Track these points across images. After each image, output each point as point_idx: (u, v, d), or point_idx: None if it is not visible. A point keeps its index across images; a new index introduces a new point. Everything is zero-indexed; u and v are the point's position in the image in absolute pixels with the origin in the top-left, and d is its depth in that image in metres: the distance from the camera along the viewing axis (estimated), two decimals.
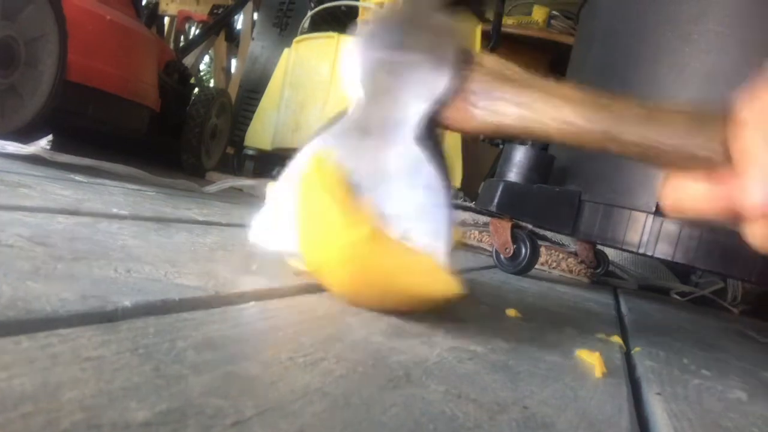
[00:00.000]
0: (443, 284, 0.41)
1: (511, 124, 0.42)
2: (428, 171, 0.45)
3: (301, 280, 0.47)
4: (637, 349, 0.55)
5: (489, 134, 0.43)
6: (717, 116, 0.36)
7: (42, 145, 1.66)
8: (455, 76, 0.43)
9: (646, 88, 0.90)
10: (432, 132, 0.46)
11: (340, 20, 2.13)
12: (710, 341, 0.72)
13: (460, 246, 1.32)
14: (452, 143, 2.03)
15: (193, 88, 2.17)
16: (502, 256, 1.00)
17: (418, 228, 0.44)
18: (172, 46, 2.67)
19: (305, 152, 0.47)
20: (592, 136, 0.40)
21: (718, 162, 0.35)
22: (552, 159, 1.01)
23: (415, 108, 0.45)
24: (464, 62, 0.44)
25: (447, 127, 0.46)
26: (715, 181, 0.35)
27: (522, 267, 0.99)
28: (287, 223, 0.45)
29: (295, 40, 2.09)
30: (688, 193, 0.36)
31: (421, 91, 0.45)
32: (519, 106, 0.42)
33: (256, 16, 2.84)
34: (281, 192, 0.48)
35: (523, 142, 0.99)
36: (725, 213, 0.34)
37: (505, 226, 1.00)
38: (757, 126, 0.33)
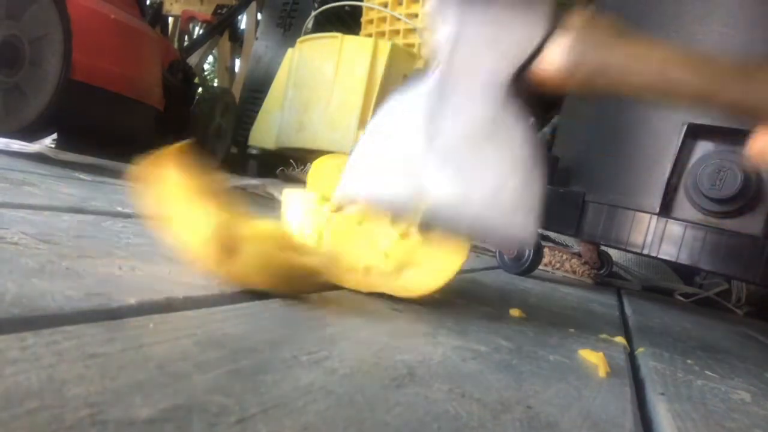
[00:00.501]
0: (318, 263, 0.40)
1: (614, 76, 0.41)
2: (518, 136, 0.42)
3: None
4: (640, 349, 0.55)
5: (587, 88, 0.42)
6: None
7: (46, 143, 1.66)
8: (552, 27, 0.41)
9: None
10: (524, 92, 0.43)
11: (344, 20, 2.13)
12: (714, 342, 0.72)
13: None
14: None
15: (197, 88, 2.17)
16: (505, 256, 1.00)
17: (506, 190, 0.41)
18: (176, 45, 2.68)
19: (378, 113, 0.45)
20: (692, 91, 0.39)
21: None
22: (556, 160, 1.01)
23: (507, 64, 0.42)
24: (556, 19, 0.41)
25: (543, 83, 0.42)
26: None
27: (525, 268, 0.99)
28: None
29: (298, 40, 2.09)
30: None
31: (515, 46, 0.42)
32: (620, 57, 0.40)
33: (259, 16, 2.84)
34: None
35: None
36: None
37: None
38: None
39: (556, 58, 0.41)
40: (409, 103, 0.44)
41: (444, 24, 0.42)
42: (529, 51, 0.41)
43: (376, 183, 0.44)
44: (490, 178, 0.42)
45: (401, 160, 0.43)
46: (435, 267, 0.46)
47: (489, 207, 0.42)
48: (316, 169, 0.52)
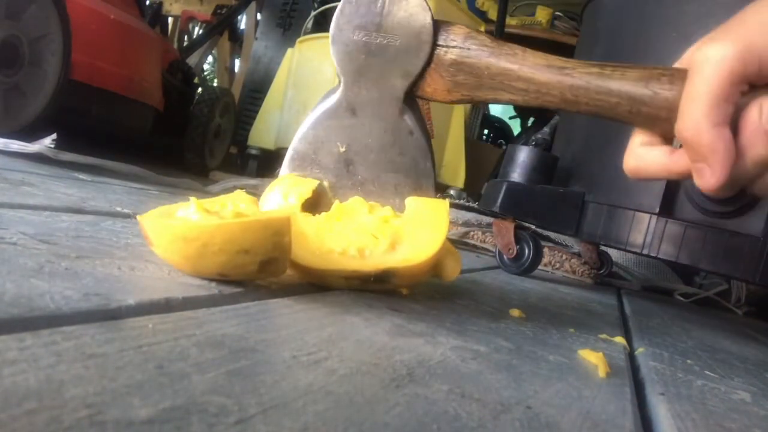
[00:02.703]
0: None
1: (480, 94, 0.47)
2: (416, 141, 0.50)
3: (303, 280, 0.47)
4: (640, 349, 0.55)
5: (461, 102, 0.50)
6: (667, 70, 0.41)
7: (46, 143, 1.66)
8: (430, 52, 0.48)
9: None
10: (414, 102, 0.51)
11: None
12: (714, 342, 0.72)
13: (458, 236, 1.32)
14: (456, 144, 2.03)
15: (197, 88, 2.17)
16: (505, 256, 1.00)
17: (401, 188, 0.50)
18: (175, 45, 2.68)
19: (297, 134, 0.53)
20: (549, 98, 0.45)
21: (665, 115, 0.40)
22: (555, 159, 1.01)
23: (396, 85, 0.49)
24: (437, 37, 0.48)
25: (426, 98, 0.50)
26: (668, 147, 0.41)
27: (525, 268, 0.99)
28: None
29: (298, 40, 2.09)
30: (646, 158, 0.42)
31: (401, 69, 0.49)
32: (485, 75, 0.47)
33: (259, 16, 2.84)
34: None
35: (526, 142, 0.99)
36: (677, 174, 0.40)
37: (508, 227, 0.99)
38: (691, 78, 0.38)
39: (437, 78, 0.49)
40: (327, 121, 0.52)
41: (351, 52, 0.50)
42: (415, 73, 0.48)
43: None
44: (392, 177, 0.51)
45: (324, 187, 0.52)
46: (425, 236, 0.47)
47: (393, 201, 0.51)
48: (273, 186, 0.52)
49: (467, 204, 1.64)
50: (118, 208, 0.63)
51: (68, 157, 1.13)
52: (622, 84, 0.42)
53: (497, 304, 0.59)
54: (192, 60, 2.34)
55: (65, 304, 0.26)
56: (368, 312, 0.41)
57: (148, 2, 2.37)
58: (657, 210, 0.87)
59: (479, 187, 1.86)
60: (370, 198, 0.51)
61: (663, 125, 0.41)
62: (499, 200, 0.94)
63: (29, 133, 1.12)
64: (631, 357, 0.52)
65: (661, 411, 0.35)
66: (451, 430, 0.23)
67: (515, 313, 0.55)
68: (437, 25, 0.48)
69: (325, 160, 0.51)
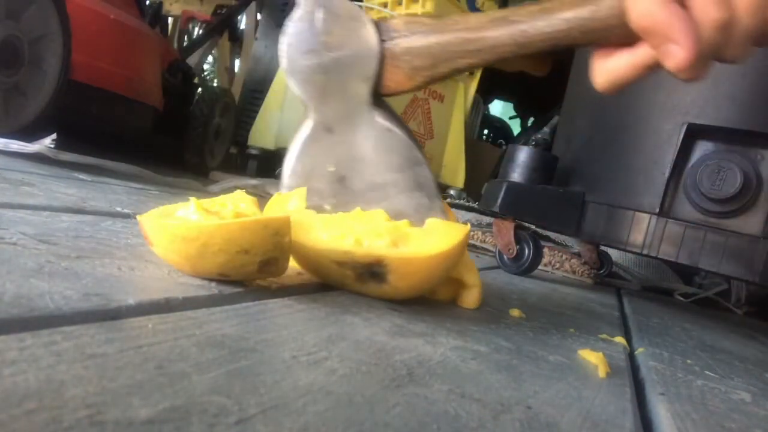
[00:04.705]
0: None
1: (440, 71, 0.48)
2: (396, 136, 0.50)
3: (303, 280, 0.47)
4: (640, 349, 0.55)
5: (426, 84, 0.51)
6: None
7: (46, 143, 1.66)
8: (380, 50, 0.49)
9: (650, 88, 0.90)
10: (382, 102, 0.52)
11: None
12: (714, 342, 0.72)
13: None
14: (456, 144, 2.03)
15: (197, 88, 2.17)
16: (505, 256, 1.00)
17: (400, 184, 0.50)
18: (175, 45, 2.68)
19: (284, 172, 0.53)
20: (504, 48, 0.46)
21: (617, 23, 0.41)
22: (555, 159, 1.01)
23: (360, 91, 0.50)
24: (381, 34, 0.49)
25: (392, 93, 0.51)
26: (628, 49, 0.41)
27: (525, 268, 0.98)
28: None
29: None
30: (612, 66, 0.42)
31: (359, 75, 0.50)
32: (438, 51, 0.48)
33: (259, 16, 2.84)
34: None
35: (526, 142, 0.99)
36: (645, 68, 0.41)
37: (508, 227, 0.99)
38: None
39: (393, 74, 0.49)
40: (309, 148, 0.52)
41: (309, 77, 0.50)
42: (373, 74, 0.49)
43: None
44: (388, 177, 0.51)
45: (328, 211, 0.52)
46: (431, 241, 0.45)
47: (398, 199, 0.51)
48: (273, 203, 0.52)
49: (467, 204, 1.64)
50: (118, 208, 0.63)
51: (68, 157, 1.13)
52: (564, 11, 0.43)
53: (497, 304, 0.59)
54: (192, 60, 2.34)
55: (65, 304, 0.26)
56: (368, 312, 0.41)
57: (148, 2, 2.37)
58: (657, 210, 0.87)
59: (479, 187, 1.86)
60: (374, 204, 0.51)
61: (617, 32, 0.41)
62: (499, 200, 0.94)
63: (29, 133, 1.12)
64: (631, 357, 0.52)
65: (661, 411, 0.35)
66: (451, 430, 0.23)
67: (515, 313, 0.55)
68: (378, 25, 0.49)
69: (319, 185, 0.52)
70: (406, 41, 0.48)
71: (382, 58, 0.49)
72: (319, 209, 0.51)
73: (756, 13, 0.37)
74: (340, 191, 0.51)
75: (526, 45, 0.45)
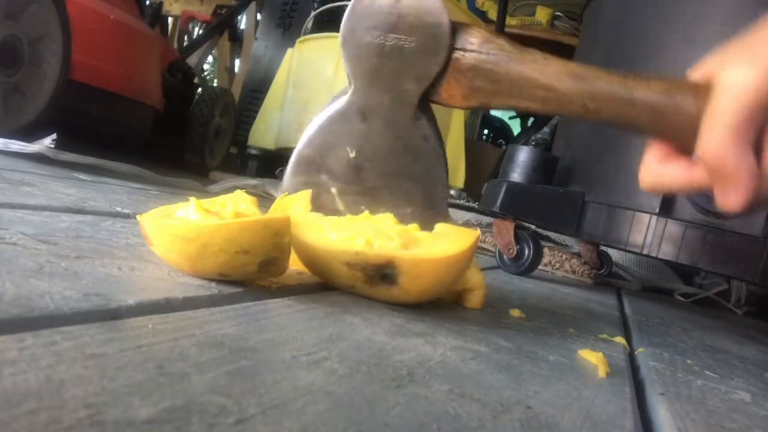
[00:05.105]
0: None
1: (498, 101, 0.46)
2: (429, 147, 0.49)
3: (303, 280, 0.47)
4: (640, 349, 0.55)
5: (482, 107, 0.47)
6: (691, 84, 0.40)
7: (46, 143, 1.66)
8: (447, 56, 0.46)
9: None
10: (428, 107, 0.49)
11: None
12: (714, 342, 0.72)
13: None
14: (456, 144, 2.03)
15: (197, 88, 2.18)
16: (505, 256, 1.00)
17: (414, 195, 0.49)
18: (175, 45, 2.68)
19: (303, 138, 0.51)
20: (571, 107, 0.44)
21: (687, 129, 0.39)
22: (556, 159, 1.01)
23: (411, 89, 0.47)
24: (454, 40, 0.46)
25: (442, 104, 0.48)
26: (686, 161, 0.40)
27: (525, 268, 0.99)
28: None
29: (298, 40, 2.09)
30: (664, 172, 0.42)
31: (416, 73, 0.47)
32: (505, 82, 0.45)
33: (259, 16, 2.84)
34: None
35: (526, 142, 0.99)
36: (696, 188, 0.41)
37: (508, 227, 0.99)
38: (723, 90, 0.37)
39: (451, 86, 0.47)
40: (336, 125, 0.50)
41: (363, 54, 0.48)
42: (431, 77, 0.47)
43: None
44: (404, 184, 0.50)
45: (332, 194, 0.51)
46: (442, 245, 0.44)
47: (405, 210, 0.50)
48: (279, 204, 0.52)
49: (467, 204, 1.64)
50: (118, 208, 0.63)
51: (68, 157, 1.13)
52: (645, 95, 0.41)
53: (497, 304, 0.59)
54: (192, 60, 2.34)
55: (65, 304, 0.26)
56: (368, 312, 0.41)
57: (148, 2, 2.37)
58: (657, 210, 0.87)
59: (479, 187, 1.86)
60: (381, 206, 0.50)
61: (684, 139, 0.40)
62: (499, 200, 0.94)
63: (29, 133, 1.12)
64: (631, 357, 0.52)
65: (661, 411, 0.35)
66: (451, 430, 0.23)
67: (515, 313, 0.55)
68: (455, 27, 0.46)
69: (333, 165, 0.50)
70: (477, 59, 0.45)
71: (446, 66, 0.46)
72: (321, 189, 0.50)
73: None
74: (351, 179, 0.50)
75: (592, 112, 0.43)
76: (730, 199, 0.37)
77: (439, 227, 0.49)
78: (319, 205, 0.51)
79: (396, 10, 0.46)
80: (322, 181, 0.50)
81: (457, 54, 0.46)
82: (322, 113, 0.51)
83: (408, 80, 0.47)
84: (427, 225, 0.49)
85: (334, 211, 0.51)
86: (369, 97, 0.48)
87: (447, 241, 0.45)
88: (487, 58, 0.45)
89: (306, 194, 0.51)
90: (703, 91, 0.38)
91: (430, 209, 0.49)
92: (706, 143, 0.37)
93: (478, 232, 0.48)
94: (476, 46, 0.45)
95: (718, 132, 0.36)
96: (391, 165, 0.49)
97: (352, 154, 0.49)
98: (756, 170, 0.36)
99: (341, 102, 0.49)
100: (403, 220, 0.49)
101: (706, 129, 0.37)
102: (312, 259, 0.45)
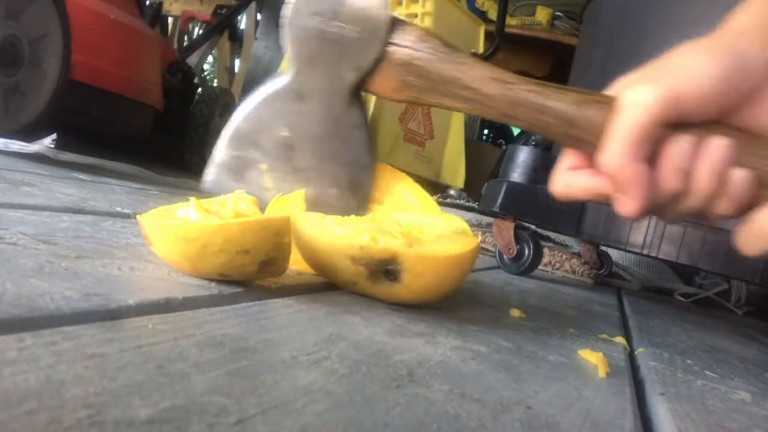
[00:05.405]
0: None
1: (427, 97, 0.47)
2: (358, 135, 0.51)
3: (303, 280, 0.47)
4: (640, 349, 0.55)
5: (409, 102, 0.51)
6: (601, 98, 0.42)
7: (46, 143, 1.66)
8: (383, 48, 0.47)
9: None
10: (360, 97, 0.51)
11: None
12: (714, 342, 0.72)
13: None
14: (456, 144, 2.03)
15: (197, 88, 2.17)
16: (505, 256, 1.00)
17: (338, 178, 0.51)
18: (175, 45, 2.68)
19: (239, 113, 0.52)
20: (491, 110, 0.45)
21: (592, 140, 0.41)
22: (555, 159, 1.01)
23: (347, 77, 0.49)
24: (392, 35, 0.48)
25: (375, 95, 0.50)
26: (593, 170, 0.43)
27: (525, 268, 0.99)
28: None
29: None
30: (571, 181, 0.45)
31: (353, 62, 0.48)
32: (434, 80, 0.47)
33: (259, 16, 2.84)
34: None
35: (526, 142, 0.99)
36: (599, 197, 0.43)
37: (508, 227, 0.99)
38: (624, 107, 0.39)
39: (386, 76, 0.48)
40: (273, 104, 0.51)
41: (306, 37, 0.49)
42: (367, 67, 0.48)
43: (237, 183, 0.52)
44: (332, 167, 0.51)
45: (261, 170, 0.52)
46: (445, 245, 0.45)
47: (329, 190, 0.51)
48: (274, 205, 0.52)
49: (467, 204, 1.64)
50: (118, 208, 0.63)
51: (68, 157, 1.13)
52: (557, 105, 0.43)
53: (497, 304, 0.59)
54: (192, 60, 2.34)
55: (65, 304, 0.26)
56: (368, 312, 0.41)
57: (148, 2, 2.37)
58: None
59: (479, 187, 1.86)
60: (308, 186, 0.51)
61: (589, 148, 0.42)
62: (499, 200, 0.94)
63: (29, 133, 1.12)
64: (631, 357, 0.52)
65: (661, 411, 0.35)
66: (451, 430, 0.23)
67: (515, 313, 0.55)
68: (393, 23, 0.48)
69: (266, 142, 0.51)
70: (410, 54, 0.47)
71: (381, 59, 0.48)
72: (250, 165, 0.51)
73: (707, 197, 0.39)
74: (281, 158, 0.51)
75: (509, 117, 0.45)
76: (627, 206, 0.40)
77: (442, 233, 0.48)
78: (246, 180, 0.52)
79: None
80: (253, 157, 0.51)
81: (392, 48, 0.47)
82: (261, 90, 0.52)
83: (345, 68, 0.49)
84: (347, 210, 0.50)
85: (260, 189, 0.51)
86: (307, 79, 0.50)
87: (449, 243, 0.46)
88: (419, 55, 0.47)
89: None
90: (612, 105, 0.41)
91: (352, 195, 0.51)
92: (606, 154, 0.40)
93: (478, 240, 0.48)
94: (411, 43, 0.47)
95: (617, 144, 0.39)
96: (321, 147, 0.51)
97: (286, 133, 0.50)
98: (648, 183, 0.39)
99: (280, 81, 0.51)
100: (326, 201, 0.51)
101: (606, 142, 0.40)
102: (315, 254, 0.45)
